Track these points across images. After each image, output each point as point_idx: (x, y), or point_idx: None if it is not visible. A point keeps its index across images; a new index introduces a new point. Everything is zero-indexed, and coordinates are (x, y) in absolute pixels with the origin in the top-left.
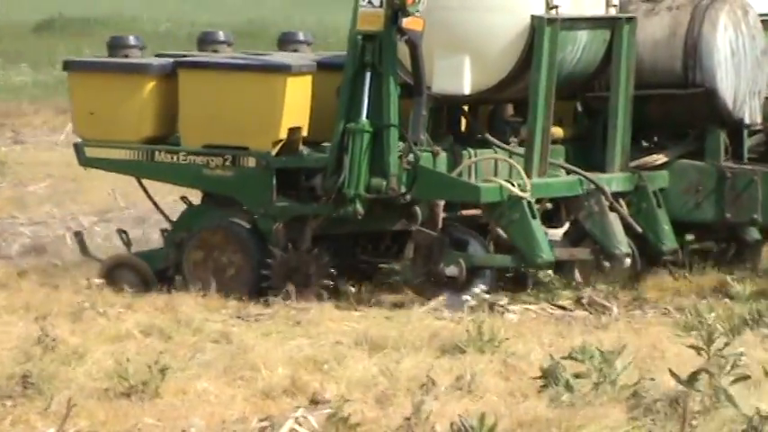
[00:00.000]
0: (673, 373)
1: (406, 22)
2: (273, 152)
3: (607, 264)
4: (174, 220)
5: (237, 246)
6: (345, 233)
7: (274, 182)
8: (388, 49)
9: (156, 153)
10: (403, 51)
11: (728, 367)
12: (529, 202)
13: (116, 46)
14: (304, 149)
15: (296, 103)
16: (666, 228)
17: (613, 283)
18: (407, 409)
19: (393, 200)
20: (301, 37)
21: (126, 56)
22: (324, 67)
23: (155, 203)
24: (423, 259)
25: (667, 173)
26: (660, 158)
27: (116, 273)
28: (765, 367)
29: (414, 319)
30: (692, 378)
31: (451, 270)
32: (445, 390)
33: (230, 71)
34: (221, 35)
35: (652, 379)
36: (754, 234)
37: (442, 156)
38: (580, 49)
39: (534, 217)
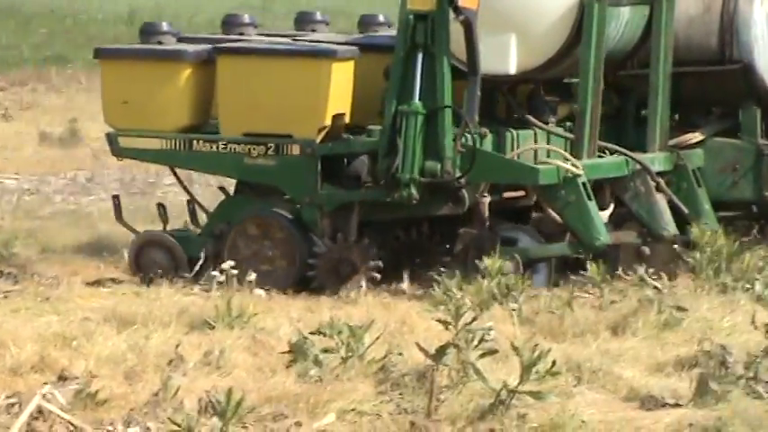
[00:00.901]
0: (420, 348)
1: (462, 1)
2: (318, 139)
3: (647, 249)
4: (212, 210)
5: (281, 237)
6: (388, 219)
7: (320, 169)
8: (440, 29)
9: (195, 142)
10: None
11: (476, 341)
12: (584, 183)
13: (149, 32)
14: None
15: (340, 89)
16: (707, 207)
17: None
18: (156, 384)
19: (448, 183)
20: (319, 17)
21: (160, 42)
22: (363, 49)
23: (190, 194)
24: (473, 257)
25: (702, 151)
26: (696, 137)
27: (146, 250)
28: (513, 342)
29: (162, 296)
30: (440, 352)
31: (507, 266)
32: (194, 365)
33: (273, 57)
34: (246, 18)
35: (400, 353)
36: None
37: (488, 137)
38: (622, 25)
39: (590, 198)
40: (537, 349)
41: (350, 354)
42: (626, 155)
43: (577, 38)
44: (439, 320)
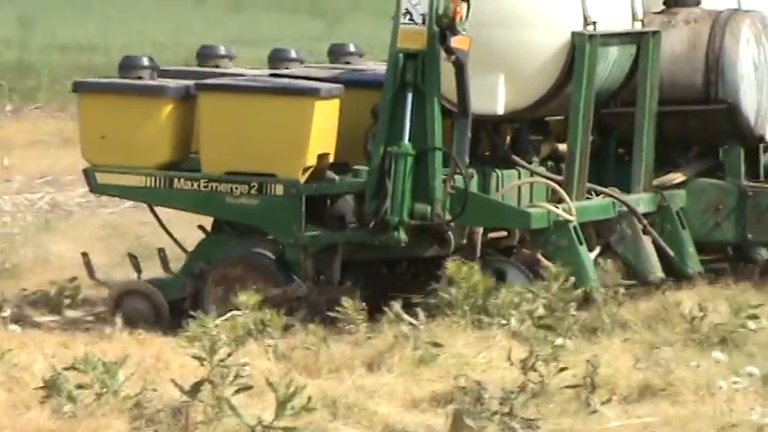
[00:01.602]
0: (175, 384)
1: (454, 41)
2: (302, 179)
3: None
4: (191, 249)
5: (262, 278)
6: (370, 260)
7: (303, 210)
8: (431, 69)
9: (176, 180)
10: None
11: (231, 377)
12: (575, 228)
13: (129, 67)
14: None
15: (325, 128)
16: (691, 250)
17: None
18: None
19: (438, 227)
20: (294, 54)
21: (140, 77)
22: (348, 86)
23: (169, 233)
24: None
25: (685, 192)
26: (678, 177)
27: (126, 300)
28: (268, 377)
29: None
30: (195, 388)
31: None
32: None
33: (256, 94)
34: (222, 49)
35: (155, 389)
36: (764, 254)
37: (474, 178)
38: (610, 65)
39: (581, 243)
40: (292, 385)
41: (104, 389)
42: (613, 197)
43: (568, 78)
44: (194, 356)
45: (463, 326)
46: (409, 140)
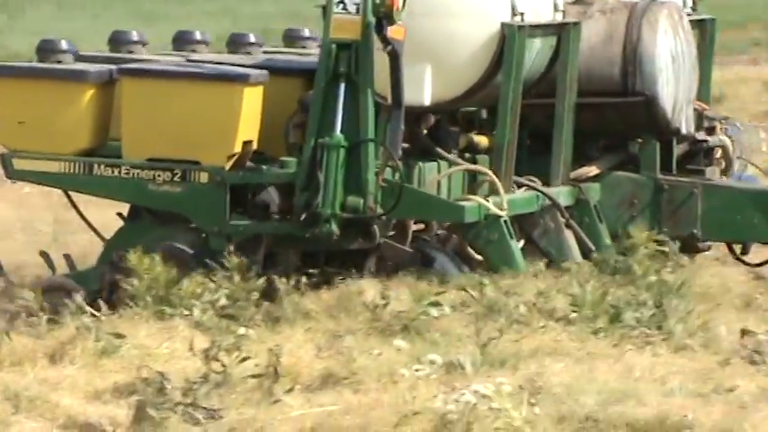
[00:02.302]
0: None
1: (390, 31)
2: (227, 167)
3: None
4: (109, 237)
5: (183, 266)
6: (294, 251)
7: (228, 199)
8: (365, 59)
9: (95, 166)
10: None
11: None
12: (506, 222)
13: (47, 50)
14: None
15: (251, 115)
16: (609, 243)
17: None
18: None
19: (370, 220)
20: (199, 36)
21: (59, 61)
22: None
23: (85, 219)
24: (391, 273)
25: (599, 185)
26: (593, 170)
27: (48, 297)
28: None
29: None
30: None
31: None
32: None
33: (183, 80)
34: (135, 35)
35: None
36: (673, 248)
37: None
38: (534, 56)
39: (512, 237)
40: None
41: None
42: (537, 190)
43: (496, 69)
44: None
45: (146, 317)
46: (341, 132)
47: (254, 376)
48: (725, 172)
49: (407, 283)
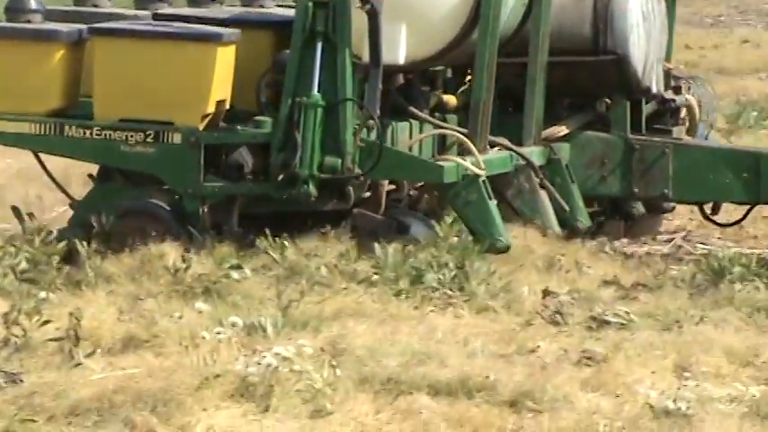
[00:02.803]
0: None
1: None
2: (201, 127)
3: None
4: (80, 198)
5: (158, 229)
6: (268, 212)
7: (202, 160)
8: (343, 18)
9: (66, 127)
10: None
11: None
12: (484, 182)
13: (16, 10)
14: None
15: (224, 75)
16: (581, 204)
17: None
18: None
19: (343, 181)
20: None
21: (28, 21)
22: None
23: (54, 180)
24: (365, 243)
25: (569, 145)
26: (563, 130)
27: None
28: None
29: None
30: None
31: None
32: None
33: (154, 40)
34: None
35: None
36: (640, 208)
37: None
38: (507, 13)
39: (490, 197)
40: None
41: None
42: (511, 150)
43: (471, 27)
44: None
45: None
46: (318, 92)
47: (54, 340)
48: (690, 132)
49: (208, 246)
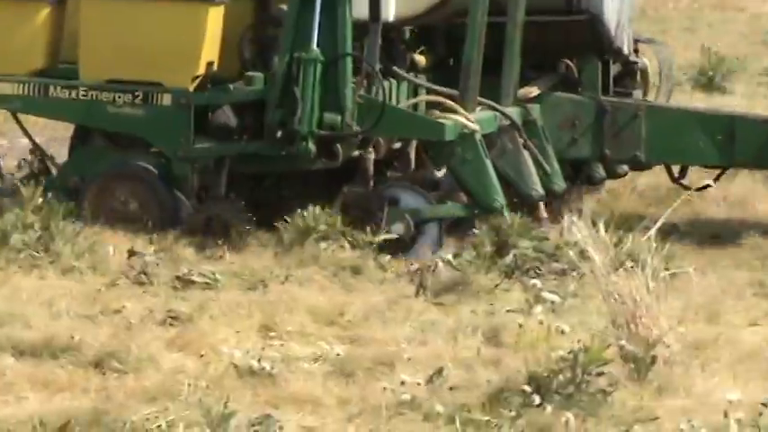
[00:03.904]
0: None
1: None
2: (191, 88)
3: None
4: (63, 161)
5: (146, 193)
6: (253, 173)
7: (192, 121)
8: None
9: (51, 88)
10: None
11: None
12: (480, 141)
13: None
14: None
15: (214, 36)
16: (556, 166)
17: None
18: None
19: (346, 137)
20: None
21: None
22: None
23: (34, 142)
24: (357, 219)
25: (539, 106)
26: (533, 91)
27: None
28: None
29: None
30: None
31: (397, 228)
32: None
33: None
34: None
35: None
36: (601, 171)
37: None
38: None
39: (486, 156)
40: None
41: None
42: (495, 109)
43: None
44: None
45: None
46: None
47: None
48: (643, 96)
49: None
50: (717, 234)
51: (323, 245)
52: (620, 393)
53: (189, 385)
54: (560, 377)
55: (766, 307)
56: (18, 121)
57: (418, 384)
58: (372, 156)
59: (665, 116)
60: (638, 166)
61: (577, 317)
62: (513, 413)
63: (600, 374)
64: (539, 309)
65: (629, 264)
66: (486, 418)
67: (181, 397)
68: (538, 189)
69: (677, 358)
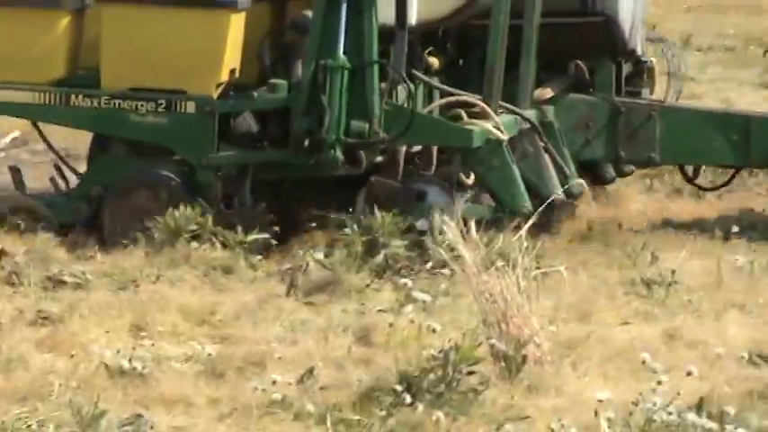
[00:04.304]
0: None
1: None
2: (215, 96)
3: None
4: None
5: (170, 202)
6: (277, 180)
7: (216, 129)
8: None
9: (73, 96)
10: None
11: None
12: (507, 147)
13: None
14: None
15: (236, 42)
16: (573, 168)
17: None
18: None
19: (374, 145)
20: None
21: None
22: None
23: (55, 152)
24: (383, 210)
25: (553, 108)
26: (548, 92)
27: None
28: None
29: None
30: None
31: (422, 224)
32: None
33: (168, 6)
34: None
35: None
36: (612, 171)
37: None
38: None
39: (513, 161)
40: None
41: None
42: (515, 113)
43: None
44: None
45: None
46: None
47: None
48: (651, 93)
49: None
50: (589, 233)
51: (194, 245)
52: (491, 392)
53: (59, 385)
54: (431, 376)
55: (637, 306)
56: (39, 130)
57: (289, 384)
58: (404, 149)
59: (680, 116)
60: (653, 166)
61: (448, 316)
62: (383, 412)
63: (471, 373)
64: (410, 308)
65: (500, 263)
66: (357, 417)
67: (51, 397)
68: (559, 192)
69: (548, 357)
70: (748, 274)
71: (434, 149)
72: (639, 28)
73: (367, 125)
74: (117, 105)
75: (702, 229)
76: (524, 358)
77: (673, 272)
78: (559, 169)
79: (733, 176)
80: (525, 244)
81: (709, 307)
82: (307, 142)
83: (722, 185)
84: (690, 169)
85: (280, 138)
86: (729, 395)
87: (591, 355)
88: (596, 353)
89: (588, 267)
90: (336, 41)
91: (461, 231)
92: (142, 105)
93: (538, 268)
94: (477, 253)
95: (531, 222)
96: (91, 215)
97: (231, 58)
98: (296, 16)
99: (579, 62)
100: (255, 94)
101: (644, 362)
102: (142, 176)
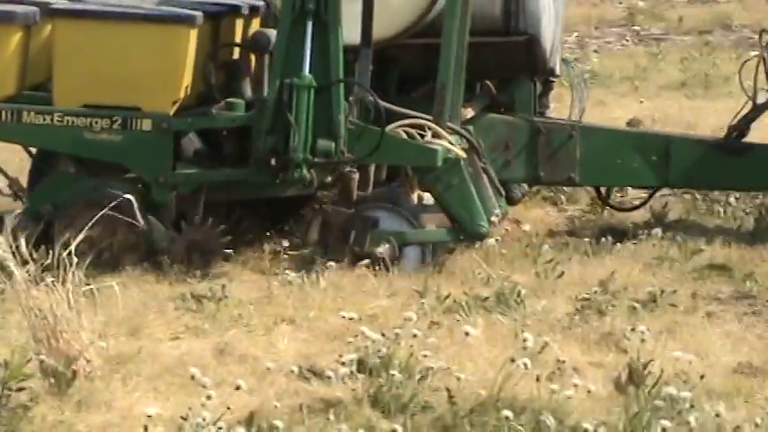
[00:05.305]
0: None
1: None
2: (172, 113)
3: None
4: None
5: (123, 221)
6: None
7: (173, 147)
8: None
9: (24, 113)
10: None
11: None
12: (464, 165)
13: None
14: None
15: (192, 59)
16: (500, 188)
17: None
18: None
19: (339, 164)
20: None
21: None
22: None
23: (3, 172)
24: (338, 240)
25: (472, 128)
26: (468, 112)
27: None
28: None
29: None
30: None
31: (384, 250)
32: None
33: (125, 21)
34: None
35: None
36: (519, 191)
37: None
38: None
39: (470, 181)
40: None
41: None
42: (459, 133)
43: (431, 6)
44: None
45: None
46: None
47: None
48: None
49: None
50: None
51: None
52: (41, 408)
53: None
54: None
55: (187, 320)
56: None
57: None
58: (357, 176)
59: (600, 137)
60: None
61: None
62: None
63: (20, 389)
64: None
65: (50, 279)
66: None
67: None
68: (497, 212)
69: (98, 372)
70: (299, 289)
71: (372, 169)
72: (558, 47)
73: (333, 144)
74: (70, 122)
75: None
76: (74, 374)
77: (223, 286)
78: (496, 190)
79: (650, 196)
80: (75, 260)
81: (260, 321)
82: (273, 161)
83: (639, 206)
84: (604, 189)
85: (235, 156)
86: (279, 409)
87: (141, 370)
88: (146, 368)
89: (139, 282)
90: (302, 60)
91: (11, 247)
92: (96, 122)
93: (88, 284)
94: (26, 268)
95: (82, 236)
96: (40, 234)
97: (188, 75)
98: (256, 34)
99: (487, 82)
100: (214, 111)
101: (193, 377)
102: (93, 195)
